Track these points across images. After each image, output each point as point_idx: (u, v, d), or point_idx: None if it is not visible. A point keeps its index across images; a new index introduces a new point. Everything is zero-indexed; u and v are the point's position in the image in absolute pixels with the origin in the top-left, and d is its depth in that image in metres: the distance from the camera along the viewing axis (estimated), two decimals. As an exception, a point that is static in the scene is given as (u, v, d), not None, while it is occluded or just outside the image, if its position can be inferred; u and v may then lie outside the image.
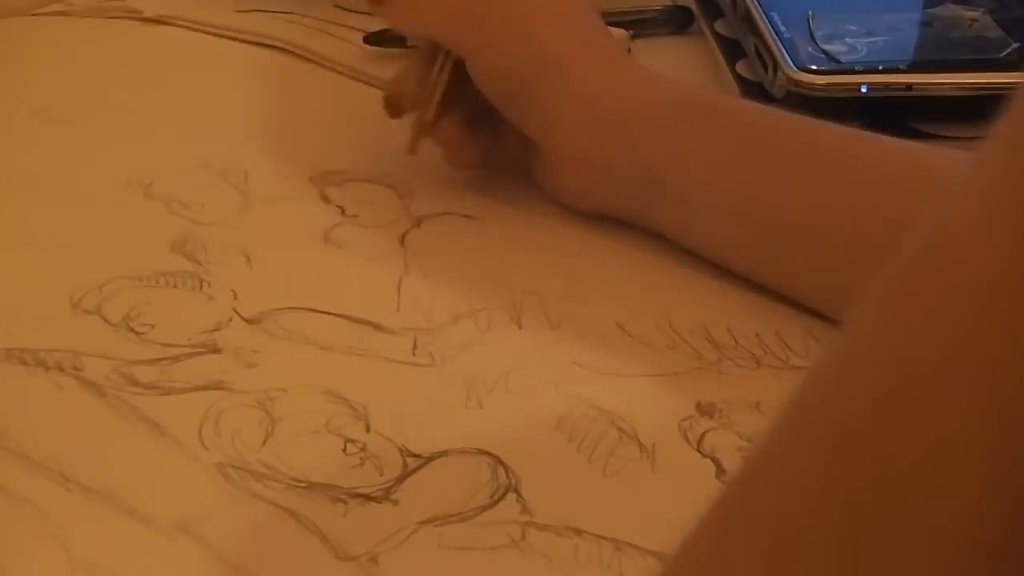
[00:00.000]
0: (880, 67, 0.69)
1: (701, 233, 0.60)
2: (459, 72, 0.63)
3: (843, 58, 0.69)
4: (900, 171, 0.55)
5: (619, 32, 0.80)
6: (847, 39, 0.70)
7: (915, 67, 0.70)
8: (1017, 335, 0.22)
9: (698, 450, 0.51)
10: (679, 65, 0.67)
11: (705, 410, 0.53)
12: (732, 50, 0.75)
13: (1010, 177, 0.24)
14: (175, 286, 0.59)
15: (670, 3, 0.81)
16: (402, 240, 0.63)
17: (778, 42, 0.70)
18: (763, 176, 0.57)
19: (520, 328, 0.57)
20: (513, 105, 0.62)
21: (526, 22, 0.62)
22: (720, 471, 0.51)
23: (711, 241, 0.60)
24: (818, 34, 0.71)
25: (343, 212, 0.64)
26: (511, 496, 0.49)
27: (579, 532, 0.48)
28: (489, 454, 0.51)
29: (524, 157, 0.65)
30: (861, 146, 0.58)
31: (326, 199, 0.65)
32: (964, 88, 0.69)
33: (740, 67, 0.74)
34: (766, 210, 0.57)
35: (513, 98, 0.62)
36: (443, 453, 0.51)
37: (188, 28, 0.80)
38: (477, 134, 0.65)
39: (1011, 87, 0.25)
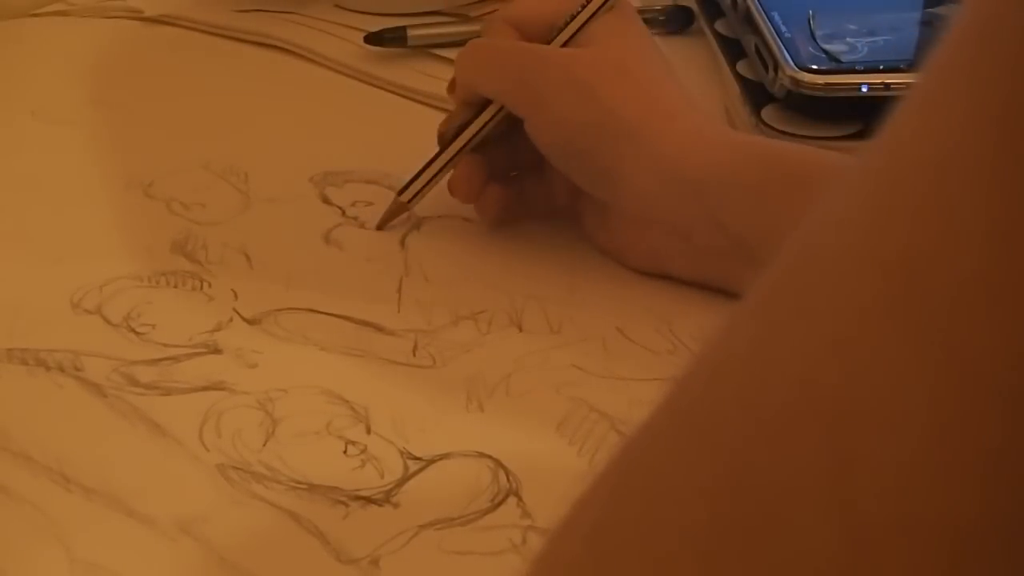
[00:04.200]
0: (881, 67, 0.68)
1: None
2: (502, 126, 0.61)
3: (844, 58, 0.69)
4: None
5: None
6: (848, 39, 0.70)
7: (916, 67, 0.70)
8: (858, 370, 0.23)
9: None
10: (679, 65, 0.67)
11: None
12: (732, 50, 0.75)
13: (872, 211, 0.24)
14: (176, 286, 0.59)
15: (670, 3, 0.81)
16: (402, 242, 0.63)
17: (779, 42, 0.70)
18: None
19: (521, 331, 0.57)
20: (576, 164, 0.60)
21: (588, 78, 0.59)
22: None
23: None
24: (819, 34, 0.70)
25: (343, 213, 0.64)
26: (512, 500, 0.49)
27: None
28: (490, 457, 0.51)
29: (572, 210, 0.62)
30: None
31: (326, 200, 0.65)
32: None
33: (740, 67, 0.74)
34: None
35: (576, 157, 0.59)
36: (444, 456, 0.51)
37: (188, 28, 0.79)
38: (512, 186, 0.63)
39: None
